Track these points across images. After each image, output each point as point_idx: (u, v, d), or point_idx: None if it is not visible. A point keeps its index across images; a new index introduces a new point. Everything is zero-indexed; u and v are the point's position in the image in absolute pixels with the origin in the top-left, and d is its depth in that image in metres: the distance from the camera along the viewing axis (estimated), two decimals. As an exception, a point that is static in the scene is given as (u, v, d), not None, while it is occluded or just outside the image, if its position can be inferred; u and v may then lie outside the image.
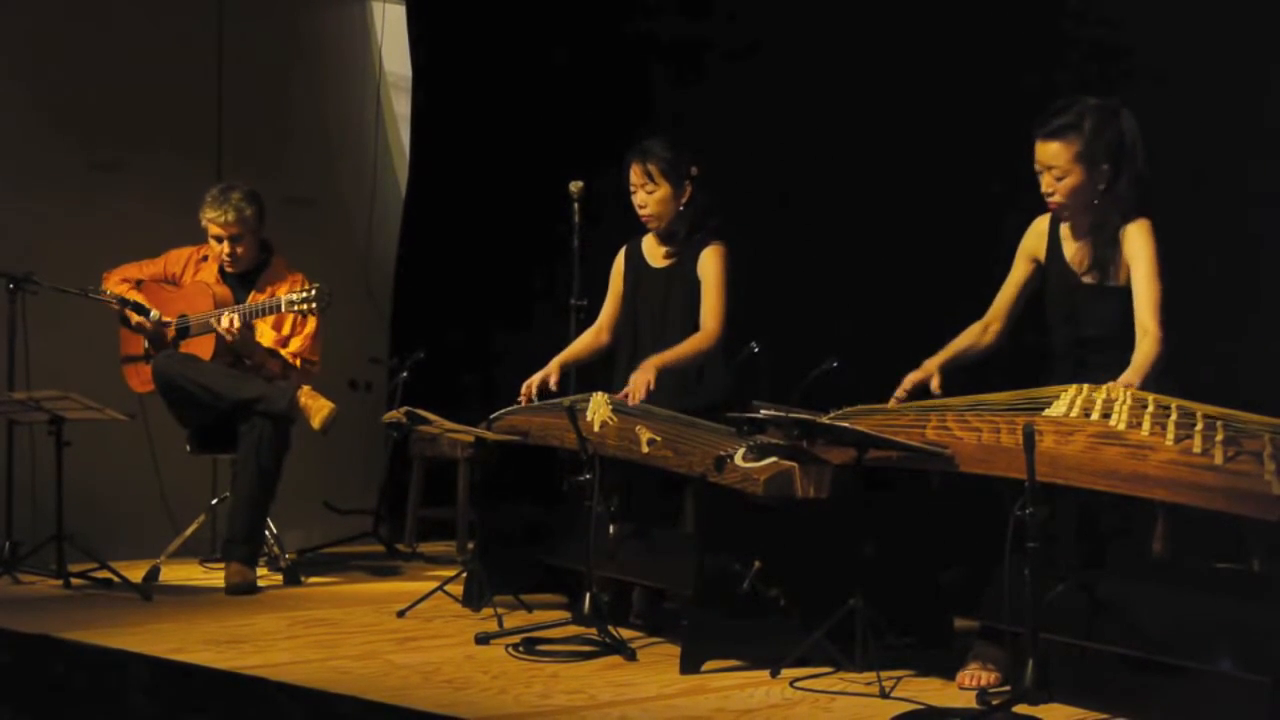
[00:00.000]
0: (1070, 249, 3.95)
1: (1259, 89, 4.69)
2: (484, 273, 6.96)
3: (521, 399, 4.80)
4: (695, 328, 4.65)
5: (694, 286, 4.70)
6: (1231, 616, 3.16)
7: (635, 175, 4.71)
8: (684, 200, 4.70)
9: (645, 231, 4.87)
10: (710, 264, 4.68)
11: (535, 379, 4.81)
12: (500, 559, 4.89)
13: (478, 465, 5.28)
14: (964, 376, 4.08)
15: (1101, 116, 3.83)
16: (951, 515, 3.79)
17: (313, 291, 5.35)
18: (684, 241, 4.76)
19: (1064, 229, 3.97)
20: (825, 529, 3.85)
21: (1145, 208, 3.85)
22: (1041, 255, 4.02)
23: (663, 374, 4.48)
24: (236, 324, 5.39)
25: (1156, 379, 3.60)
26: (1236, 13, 4.71)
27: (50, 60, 6.36)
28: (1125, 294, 3.82)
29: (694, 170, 4.70)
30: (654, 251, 4.86)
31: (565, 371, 4.91)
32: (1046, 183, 3.88)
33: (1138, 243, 3.80)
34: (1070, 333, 3.94)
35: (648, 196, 4.70)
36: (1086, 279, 3.90)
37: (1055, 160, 3.84)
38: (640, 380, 4.43)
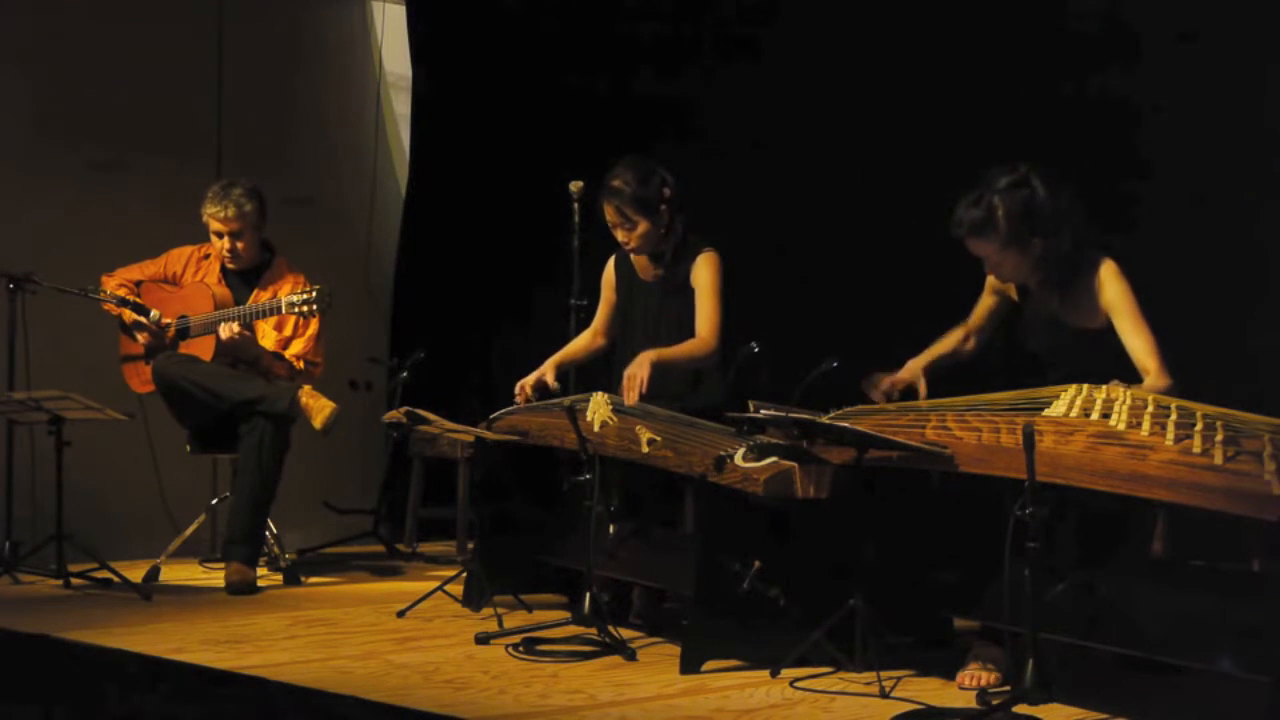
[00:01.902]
0: (1039, 292, 3.95)
1: (1258, 89, 4.69)
2: (484, 272, 6.96)
3: (517, 398, 4.80)
4: (690, 336, 4.65)
5: (688, 296, 4.69)
6: (1231, 616, 3.16)
7: (611, 215, 4.69)
8: (665, 227, 4.69)
9: None
10: (704, 272, 4.68)
11: (530, 379, 4.81)
12: (500, 559, 4.89)
13: (477, 464, 5.28)
14: (966, 376, 4.10)
15: (1011, 198, 3.78)
16: (951, 515, 3.79)
17: (313, 293, 5.35)
18: (673, 259, 4.76)
19: None
20: (825, 529, 3.85)
21: (1102, 248, 3.83)
22: (1013, 292, 4.03)
23: (658, 373, 4.47)
24: (236, 329, 5.39)
25: None
26: (1235, 13, 4.71)
27: (50, 60, 6.36)
28: (1104, 334, 3.81)
29: (667, 192, 4.66)
30: (644, 264, 4.86)
31: (563, 372, 4.91)
32: (989, 268, 3.90)
33: (1111, 290, 3.79)
34: (1059, 375, 3.93)
35: (629, 234, 4.70)
36: (1063, 322, 3.90)
37: (985, 254, 3.86)
38: (634, 375, 4.41)
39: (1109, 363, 3.77)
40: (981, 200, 3.81)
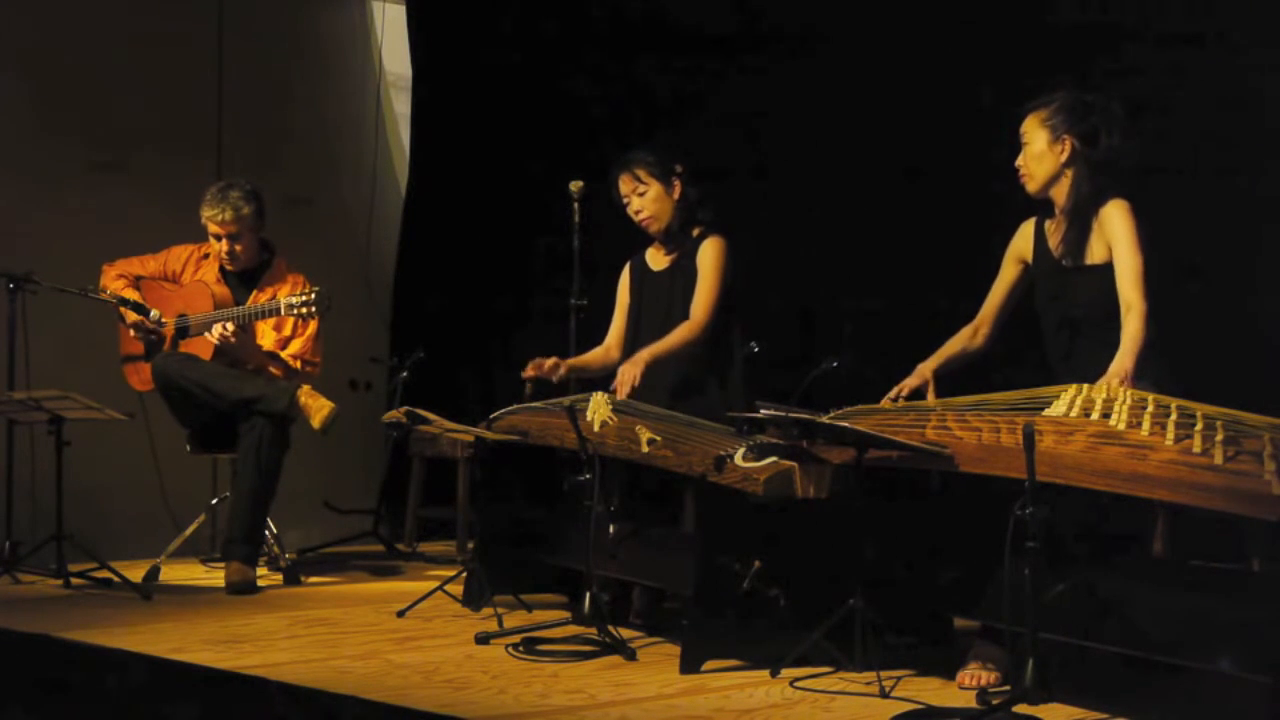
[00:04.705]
0: (1053, 241, 3.99)
1: (1258, 88, 4.69)
2: (484, 272, 6.96)
3: (529, 370, 4.79)
4: None
5: (694, 280, 4.72)
6: (1231, 616, 3.16)
7: (625, 185, 4.79)
8: (675, 195, 4.77)
9: (647, 244, 4.92)
10: (707, 255, 4.73)
11: (544, 361, 4.80)
12: (500, 559, 4.89)
13: (477, 464, 5.28)
14: (966, 376, 4.10)
15: (1074, 96, 3.95)
16: (951, 515, 3.79)
17: (312, 295, 5.35)
18: (683, 238, 4.80)
19: (1048, 226, 4.03)
20: (825, 529, 3.85)
21: (1122, 190, 3.88)
22: (1029, 256, 4.09)
23: (654, 372, 4.52)
24: (230, 329, 5.38)
25: (1153, 359, 3.66)
26: (1234, 11, 4.71)
27: (50, 60, 6.36)
28: (1105, 271, 3.86)
29: (679, 167, 4.77)
30: (656, 256, 4.92)
31: (572, 376, 4.91)
32: (1020, 159, 4.01)
33: (1116, 221, 3.86)
34: (1057, 314, 3.99)
35: (641, 200, 4.78)
36: (1066, 262, 3.96)
37: (1025, 129, 3.99)
38: (628, 374, 4.48)
39: (1101, 302, 3.83)
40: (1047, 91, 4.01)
